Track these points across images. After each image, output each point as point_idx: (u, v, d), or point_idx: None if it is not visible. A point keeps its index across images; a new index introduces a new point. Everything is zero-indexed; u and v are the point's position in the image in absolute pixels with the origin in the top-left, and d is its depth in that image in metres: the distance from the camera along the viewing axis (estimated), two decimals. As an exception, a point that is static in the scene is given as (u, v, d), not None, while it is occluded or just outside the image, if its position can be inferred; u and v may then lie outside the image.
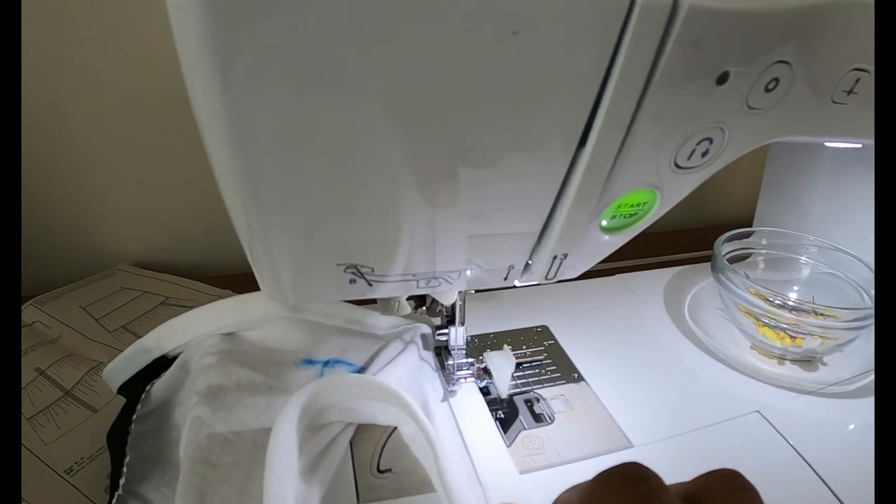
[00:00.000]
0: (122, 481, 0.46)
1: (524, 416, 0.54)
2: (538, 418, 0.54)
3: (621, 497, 0.27)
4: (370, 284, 0.36)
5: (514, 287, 0.46)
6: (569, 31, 0.25)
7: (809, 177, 0.73)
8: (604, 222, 0.37)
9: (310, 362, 0.51)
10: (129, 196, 0.91)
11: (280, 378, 0.50)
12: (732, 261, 0.70)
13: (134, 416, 0.49)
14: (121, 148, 0.86)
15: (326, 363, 0.52)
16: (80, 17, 0.75)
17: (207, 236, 0.96)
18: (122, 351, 0.68)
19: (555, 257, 0.37)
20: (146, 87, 0.82)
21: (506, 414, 0.54)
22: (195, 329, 0.51)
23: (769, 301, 0.60)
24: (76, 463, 0.54)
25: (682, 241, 0.84)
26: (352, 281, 0.35)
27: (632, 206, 0.36)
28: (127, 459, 0.47)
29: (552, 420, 0.54)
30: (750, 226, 0.78)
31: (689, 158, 0.34)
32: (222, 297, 0.80)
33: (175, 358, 0.52)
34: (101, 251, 0.94)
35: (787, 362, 0.65)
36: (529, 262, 0.38)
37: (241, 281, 0.84)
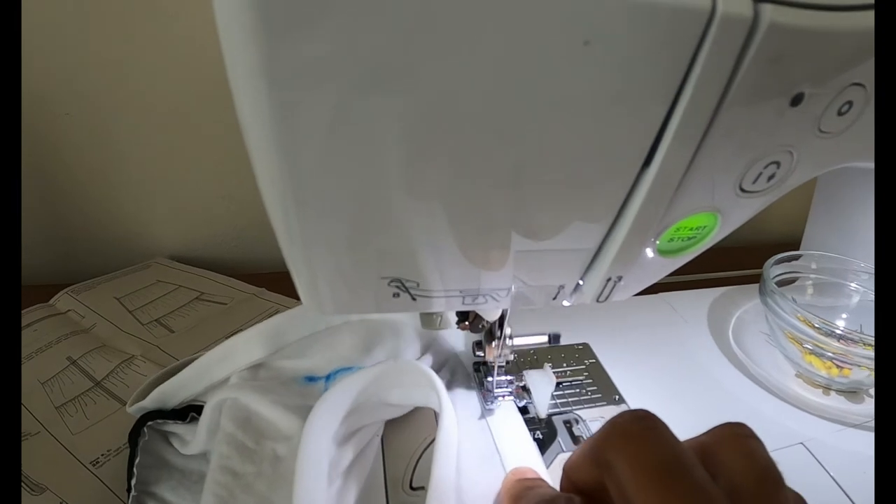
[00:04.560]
0: (133, 482, 0.46)
1: (563, 437, 0.53)
2: (577, 441, 0.52)
3: (629, 430, 0.29)
4: (414, 299, 0.35)
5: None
6: (643, 43, 0.23)
7: (862, 200, 0.71)
8: (661, 245, 0.35)
9: (311, 379, 0.51)
10: (168, 189, 0.92)
11: (290, 394, 0.49)
12: (780, 284, 0.68)
13: (149, 423, 0.49)
14: (163, 141, 0.87)
15: (328, 377, 0.51)
16: (126, 9, 0.75)
17: (245, 233, 0.97)
18: (154, 345, 0.68)
19: (609, 279, 0.35)
20: (190, 81, 0.82)
21: (544, 435, 0.53)
22: (190, 388, 0.50)
23: (817, 328, 0.58)
24: (102, 455, 0.55)
25: (723, 258, 0.83)
26: (395, 295, 0.34)
27: (691, 229, 0.35)
28: (137, 460, 0.47)
29: (591, 444, 0.52)
30: (793, 245, 0.77)
31: (754, 182, 0.33)
32: (257, 296, 0.81)
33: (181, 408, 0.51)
34: (138, 243, 0.95)
35: (833, 393, 0.63)
36: (580, 282, 0.37)
37: (276, 280, 0.85)
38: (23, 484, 0.51)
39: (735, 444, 0.31)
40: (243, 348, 0.50)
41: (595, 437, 0.31)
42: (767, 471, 0.29)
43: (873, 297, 0.68)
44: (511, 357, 0.52)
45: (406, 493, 0.46)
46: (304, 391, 0.50)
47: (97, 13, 0.75)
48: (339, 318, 0.52)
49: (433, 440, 0.49)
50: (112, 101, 0.82)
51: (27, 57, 0.76)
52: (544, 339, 0.54)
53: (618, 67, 0.24)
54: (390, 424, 0.52)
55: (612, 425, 0.30)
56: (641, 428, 0.29)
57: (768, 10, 0.24)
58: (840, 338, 0.57)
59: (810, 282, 0.73)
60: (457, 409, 0.50)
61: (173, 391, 0.49)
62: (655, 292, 0.77)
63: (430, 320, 0.44)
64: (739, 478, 0.29)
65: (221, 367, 0.49)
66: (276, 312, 0.76)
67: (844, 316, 0.71)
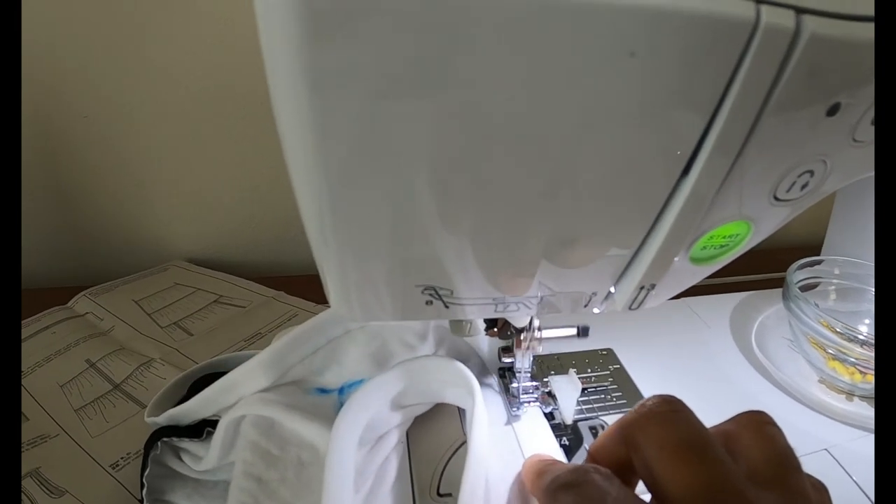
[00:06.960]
0: (144, 492, 0.46)
1: (588, 443, 0.52)
2: (603, 448, 0.52)
3: (657, 412, 0.31)
4: (447, 307, 0.35)
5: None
6: (687, 54, 0.23)
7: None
8: (693, 253, 0.35)
9: (322, 391, 0.50)
10: (186, 192, 0.92)
11: (305, 404, 0.49)
12: (802, 289, 0.68)
13: (163, 439, 0.49)
14: (180, 144, 0.87)
15: (341, 391, 0.50)
16: (145, 12, 0.76)
17: (262, 236, 0.97)
18: (172, 348, 0.68)
19: (642, 287, 0.35)
20: (209, 85, 0.82)
21: (570, 441, 0.53)
22: (198, 413, 0.49)
23: (840, 333, 0.57)
24: (122, 458, 0.55)
25: (743, 262, 0.82)
26: (428, 302, 0.34)
27: (724, 237, 0.35)
28: (147, 472, 0.47)
29: (617, 449, 0.52)
30: (814, 248, 0.77)
31: (788, 191, 0.33)
32: (275, 299, 0.81)
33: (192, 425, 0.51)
34: (156, 245, 0.96)
35: (856, 398, 0.62)
36: (612, 290, 0.37)
37: (293, 283, 0.85)
38: (42, 487, 0.51)
39: (755, 429, 0.33)
40: (247, 379, 0.48)
41: (624, 418, 0.33)
42: (785, 456, 0.31)
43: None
44: (539, 349, 0.51)
45: (433, 500, 0.46)
46: (317, 401, 0.49)
47: (116, 15, 0.75)
48: (340, 329, 0.51)
49: (460, 446, 0.49)
50: (130, 103, 0.83)
51: (44, 59, 0.76)
52: (573, 331, 0.54)
53: (661, 79, 0.24)
54: (415, 430, 0.52)
55: (642, 407, 0.32)
56: (669, 410, 0.32)
57: (810, 22, 0.24)
58: (863, 343, 0.56)
59: (833, 287, 0.73)
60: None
61: (182, 416, 0.49)
62: (678, 297, 0.77)
63: (459, 327, 0.44)
64: (758, 461, 0.31)
65: (227, 397, 0.48)
66: (295, 316, 0.77)
67: (867, 321, 0.70)
